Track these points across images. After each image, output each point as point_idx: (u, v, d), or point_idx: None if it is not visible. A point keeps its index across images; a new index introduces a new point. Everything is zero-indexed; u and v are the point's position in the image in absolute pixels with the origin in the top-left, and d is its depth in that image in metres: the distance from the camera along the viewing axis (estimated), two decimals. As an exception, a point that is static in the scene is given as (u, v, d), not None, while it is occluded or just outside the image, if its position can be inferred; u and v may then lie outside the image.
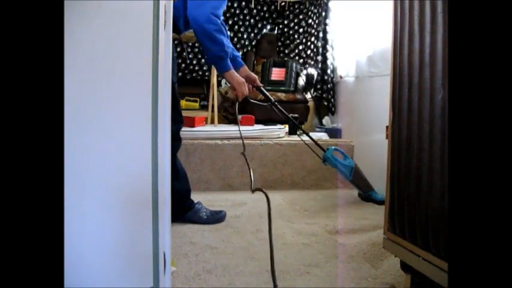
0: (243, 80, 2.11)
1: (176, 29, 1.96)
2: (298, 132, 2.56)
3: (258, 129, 3.14)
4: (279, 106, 2.35)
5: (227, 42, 1.93)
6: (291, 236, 1.94)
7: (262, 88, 2.26)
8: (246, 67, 2.19)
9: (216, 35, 1.86)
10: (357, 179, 2.53)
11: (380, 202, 2.56)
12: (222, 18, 1.91)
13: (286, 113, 2.43)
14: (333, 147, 2.53)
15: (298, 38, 4.09)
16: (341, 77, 3.62)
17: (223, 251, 1.72)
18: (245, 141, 2.95)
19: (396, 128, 1.29)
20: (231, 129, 3.08)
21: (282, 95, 3.71)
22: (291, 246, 1.80)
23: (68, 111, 0.84)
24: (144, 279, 1.01)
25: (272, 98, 2.34)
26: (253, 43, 4.16)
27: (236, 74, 2.08)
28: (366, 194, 2.64)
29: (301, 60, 4.02)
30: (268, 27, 4.23)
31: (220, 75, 2.13)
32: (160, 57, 0.98)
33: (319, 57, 3.78)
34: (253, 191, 1.47)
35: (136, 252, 1.00)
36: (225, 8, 1.98)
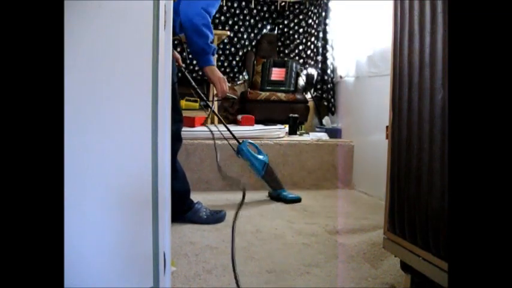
0: (223, 76, 2.14)
1: (173, 32, 1.97)
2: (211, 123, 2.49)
3: (257, 129, 3.14)
4: (198, 91, 2.33)
5: (212, 37, 1.97)
6: (291, 236, 1.94)
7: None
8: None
9: (203, 29, 1.90)
10: (269, 176, 2.54)
11: (289, 201, 2.58)
12: (212, 17, 1.95)
13: (201, 93, 2.38)
14: (248, 140, 2.50)
15: (298, 38, 4.09)
16: (341, 77, 3.62)
17: (223, 251, 1.72)
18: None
19: (396, 128, 1.29)
20: (231, 129, 3.08)
21: (282, 95, 3.71)
22: (291, 246, 1.80)
23: (68, 111, 0.84)
24: (144, 279, 1.01)
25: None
26: (253, 43, 4.16)
27: (217, 70, 2.11)
28: (276, 193, 2.65)
29: (301, 60, 4.02)
30: (268, 27, 4.22)
31: (200, 69, 2.15)
32: (160, 57, 0.98)
33: (319, 57, 3.78)
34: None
35: (136, 252, 1.00)
36: (217, 8, 2.02)
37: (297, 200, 2.61)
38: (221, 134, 2.40)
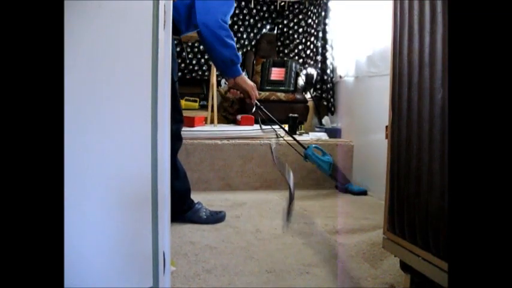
0: (254, 84, 2.20)
1: (176, 31, 1.96)
2: (281, 135, 2.70)
3: (257, 129, 3.14)
4: (263, 109, 2.35)
5: (236, 47, 1.98)
6: (291, 235, 1.95)
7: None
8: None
9: (228, 40, 1.91)
10: (335, 173, 2.79)
11: (357, 193, 2.85)
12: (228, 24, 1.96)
13: (271, 116, 2.49)
14: (313, 145, 2.71)
15: (298, 37, 4.09)
16: (341, 76, 3.62)
17: (223, 250, 1.72)
18: (244, 141, 2.96)
19: (396, 127, 1.29)
20: (230, 129, 3.08)
21: (281, 95, 3.71)
22: (291, 246, 1.80)
23: (68, 111, 0.84)
24: (143, 279, 1.01)
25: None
26: (253, 43, 4.16)
27: (247, 78, 2.15)
28: (344, 186, 2.93)
29: (300, 60, 4.02)
30: (268, 27, 4.23)
31: (229, 80, 2.16)
32: (160, 57, 0.98)
33: (319, 57, 3.78)
34: None
35: (136, 252, 1.00)
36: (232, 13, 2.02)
37: (364, 193, 2.86)
38: (283, 139, 2.67)
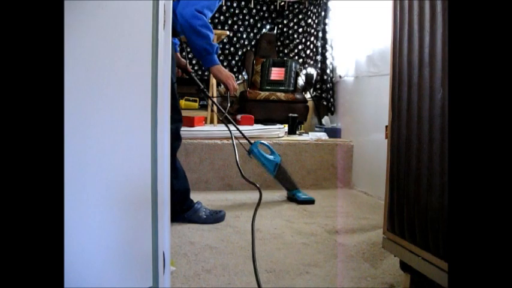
0: (231, 74, 2.15)
1: (174, 32, 1.98)
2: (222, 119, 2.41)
3: (257, 128, 3.14)
4: (206, 93, 2.29)
5: (212, 36, 1.98)
6: (291, 235, 1.95)
7: (191, 74, 2.26)
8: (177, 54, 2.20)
9: (201, 29, 1.91)
10: (281, 176, 2.53)
11: (301, 202, 2.58)
12: (208, 18, 1.96)
13: (215, 102, 2.39)
14: (260, 141, 2.52)
15: (298, 37, 4.09)
16: (340, 76, 3.62)
17: (223, 250, 1.72)
18: (244, 141, 2.96)
19: (396, 127, 1.29)
20: (230, 128, 3.08)
21: (281, 95, 3.71)
22: (291, 246, 1.80)
23: (68, 111, 0.84)
24: (143, 278, 1.01)
25: (200, 84, 2.24)
26: (253, 43, 4.16)
27: (223, 68, 2.11)
28: (290, 193, 2.65)
29: (300, 60, 4.02)
30: (268, 26, 4.23)
31: (207, 70, 2.16)
32: (159, 57, 0.98)
33: (319, 57, 3.78)
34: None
35: (135, 252, 1.00)
36: (215, 9, 2.03)
37: (310, 202, 2.60)
38: (230, 134, 2.39)
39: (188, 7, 1.90)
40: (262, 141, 2.52)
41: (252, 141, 2.43)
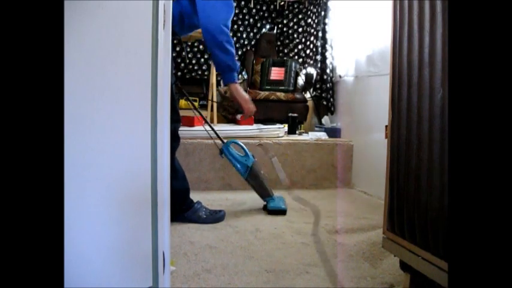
0: (248, 97, 2.20)
1: (172, 32, 1.99)
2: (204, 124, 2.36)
3: (257, 128, 3.14)
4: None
5: (234, 53, 2.04)
6: (290, 235, 1.95)
7: None
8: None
9: (227, 46, 1.97)
10: (253, 180, 2.34)
11: (270, 212, 2.32)
12: (229, 28, 2.01)
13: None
14: (234, 140, 2.38)
15: (298, 37, 4.09)
16: (340, 76, 3.62)
17: (223, 250, 1.72)
18: (243, 141, 2.95)
19: (395, 127, 1.29)
20: (230, 128, 3.08)
21: (281, 95, 3.71)
22: (290, 246, 1.80)
23: (68, 111, 0.84)
24: (143, 278, 1.01)
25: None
26: (253, 42, 4.16)
27: (241, 89, 2.17)
28: (263, 200, 2.41)
29: (300, 60, 4.02)
30: (268, 26, 4.23)
31: (225, 85, 2.21)
32: (159, 57, 0.98)
33: (319, 57, 3.78)
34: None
35: (135, 252, 1.00)
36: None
37: (280, 212, 2.33)
38: (208, 133, 2.36)
39: (212, 20, 1.91)
40: (236, 141, 2.38)
41: (225, 141, 2.34)
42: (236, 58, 2.04)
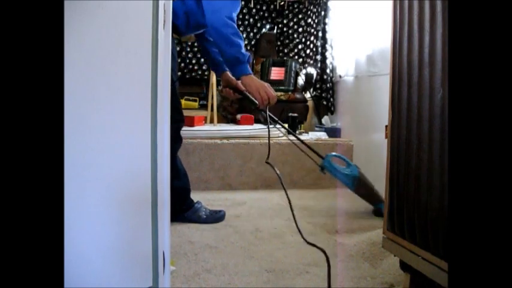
0: (263, 83, 1.94)
1: (176, 31, 1.97)
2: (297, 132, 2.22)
3: (257, 128, 3.14)
4: (268, 112, 1.95)
5: (243, 44, 1.89)
6: (290, 235, 1.95)
7: (246, 93, 2.03)
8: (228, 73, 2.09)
9: (233, 38, 1.84)
10: (362, 190, 2.24)
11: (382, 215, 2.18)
12: (235, 21, 1.89)
13: (275, 118, 2.13)
14: (333, 153, 2.29)
15: (298, 37, 4.09)
16: (340, 76, 3.62)
17: (223, 250, 1.72)
18: (243, 141, 2.95)
19: (395, 127, 1.29)
20: (230, 128, 3.08)
21: (281, 95, 3.71)
22: (290, 246, 1.80)
23: (68, 111, 0.84)
24: (143, 278, 1.01)
25: (256, 102, 1.98)
26: (253, 42, 4.16)
27: (255, 78, 1.94)
28: (375, 207, 2.31)
29: (300, 60, 4.02)
30: (268, 26, 4.22)
31: (238, 79, 2.02)
32: (159, 57, 0.98)
33: (319, 57, 3.78)
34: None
35: (135, 252, 1.00)
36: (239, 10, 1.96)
37: None
38: (293, 143, 2.16)
39: (216, 14, 1.83)
40: (335, 153, 2.26)
41: (323, 155, 2.21)
42: (243, 49, 1.88)
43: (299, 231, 1.35)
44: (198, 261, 1.59)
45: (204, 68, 4.00)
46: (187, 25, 1.96)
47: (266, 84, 1.93)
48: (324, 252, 1.19)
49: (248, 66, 1.92)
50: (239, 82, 2.00)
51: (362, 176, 2.22)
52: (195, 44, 3.95)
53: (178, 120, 1.98)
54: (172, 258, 1.54)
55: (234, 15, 1.88)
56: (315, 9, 3.84)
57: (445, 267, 1.05)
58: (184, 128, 2.43)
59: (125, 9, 0.93)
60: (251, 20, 4.11)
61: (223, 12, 1.83)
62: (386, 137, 1.37)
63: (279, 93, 3.72)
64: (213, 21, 1.83)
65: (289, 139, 2.09)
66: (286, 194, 1.43)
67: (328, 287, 1.16)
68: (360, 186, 2.20)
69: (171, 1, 1.09)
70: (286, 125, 3.39)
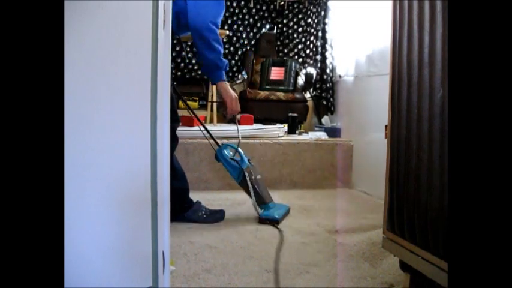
0: (236, 95, 2.13)
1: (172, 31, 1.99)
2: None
3: (257, 128, 3.14)
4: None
5: (222, 51, 1.98)
6: (290, 235, 1.95)
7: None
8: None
9: (214, 44, 1.92)
10: (246, 186, 2.16)
11: (261, 221, 2.11)
12: (218, 26, 1.96)
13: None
14: (229, 143, 2.29)
15: (297, 37, 4.09)
16: (340, 76, 3.62)
17: (223, 250, 1.72)
18: (243, 141, 2.95)
19: (395, 127, 1.29)
20: (230, 128, 3.08)
21: (281, 95, 3.71)
22: (290, 246, 1.80)
23: (68, 111, 0.84)
24: (143, 278, 1.01)
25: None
26: (252, 42, 4.16)
27: (229, 88, 2.10)
28: (258, 207, 2.17)
29: (300, 60, 4.02)
30: (267, 26, 4.22)
31: (214, 84, 2.16)
32: (159, 57, 0.98)
33: (318, 57, 3.78)
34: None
35: (135, 252, 1.00)
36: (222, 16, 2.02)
37: (272, 221, 2.09)
38: (203, 134, 2.26)
39: (200, 17, 1.88)
40: (231, 144, 2.28)
41: (221, 144, 2.26)
42: (222, 56, 1.98)
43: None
44: (197, 261, 1.59)
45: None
46: (178, 24, 1.99)
47: (235, 97, 2.13)
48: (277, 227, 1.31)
49: (224, 73, 2.05)
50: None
51: (250, 172, 2.19)
52: (195, 44, 3.95)
53: (174, 120, 1.99)
54: (172, 258, 1.54)
55: (218, 20, 1.94)
56: (315, 9, 3.84)
57: (445, 267, 1.05)
58: (184, 128, 2.43)
59: (124, 9, 0.93)
60: (251, 20, 4.11)
61: (208, 17, 1.89)
62: (386, 137, 1.37)
63: (279, 93, 3.72)
64: (197, 24, 1.89)
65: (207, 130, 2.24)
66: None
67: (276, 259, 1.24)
68: (245, 181, 2.16)
69: (171, 1, 1.09)
70: (285, 126, 3.40)
